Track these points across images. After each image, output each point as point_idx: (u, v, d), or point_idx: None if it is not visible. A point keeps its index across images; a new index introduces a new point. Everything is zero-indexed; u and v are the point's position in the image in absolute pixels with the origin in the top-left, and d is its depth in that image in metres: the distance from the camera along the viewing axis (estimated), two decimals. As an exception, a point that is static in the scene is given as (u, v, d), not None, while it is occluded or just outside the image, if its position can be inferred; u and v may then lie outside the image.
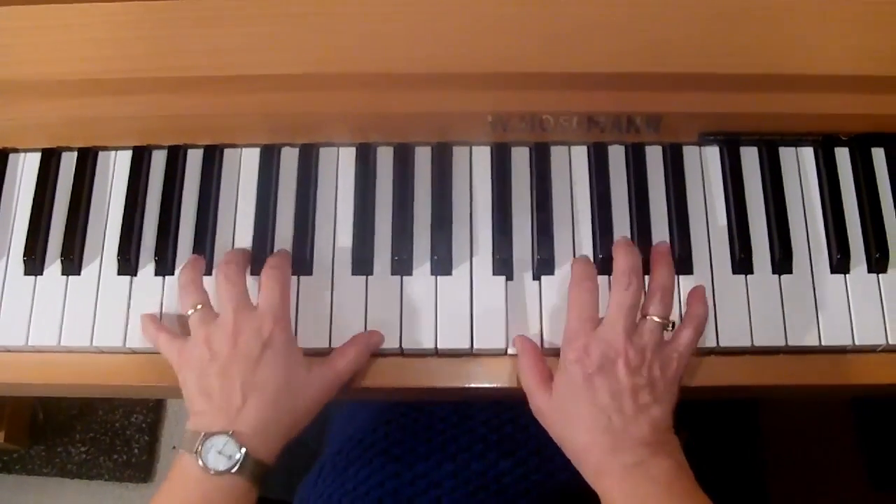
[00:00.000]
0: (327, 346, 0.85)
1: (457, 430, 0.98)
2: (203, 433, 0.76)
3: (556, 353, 0.84)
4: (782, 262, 0.87)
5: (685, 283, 0.86)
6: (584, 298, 0.80)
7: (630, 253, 0.82)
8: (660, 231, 0.89)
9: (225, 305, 0.81)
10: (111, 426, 1.84)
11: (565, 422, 0.78)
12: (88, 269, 0.89)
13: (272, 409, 0.78)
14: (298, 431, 0.81)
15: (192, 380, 0.79)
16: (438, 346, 0.85)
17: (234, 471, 0.75)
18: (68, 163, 0.93)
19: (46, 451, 1.83)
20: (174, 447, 1.84)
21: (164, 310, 0.87)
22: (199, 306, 0.82)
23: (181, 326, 0.85)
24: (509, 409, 0.99)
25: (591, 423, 0.76)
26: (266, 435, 0.78)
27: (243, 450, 0.75)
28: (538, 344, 0.85)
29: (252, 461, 0.76)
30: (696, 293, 0.84)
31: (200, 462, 0.75)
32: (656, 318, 0.79)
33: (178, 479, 0.77)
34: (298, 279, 0.87)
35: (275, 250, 0.88)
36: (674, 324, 0.81)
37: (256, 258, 0.88)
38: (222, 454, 0.75)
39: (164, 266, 0.88)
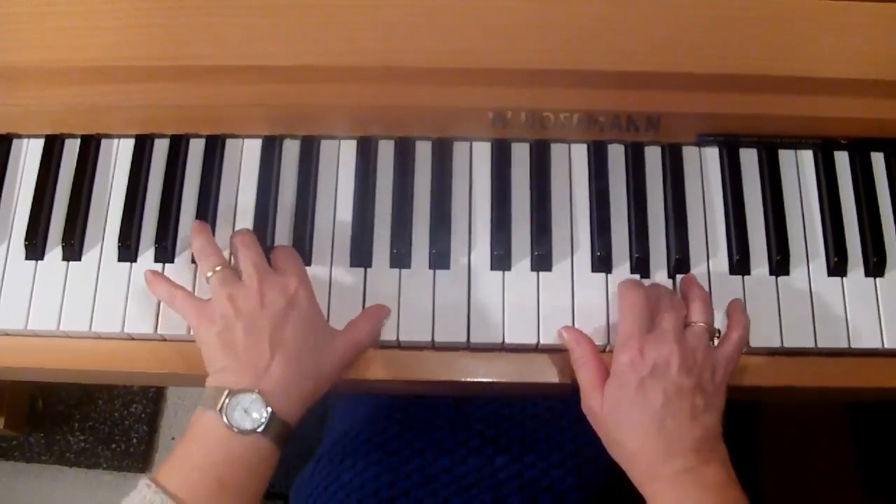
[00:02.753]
0: (324, 336, 0.85)
1: (453, 425, 0.99)
2: (227, 390, 0.74)
3: (551, 349, 0.85)
4: (779, 264, 0.87)
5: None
6: (637, 304, 0.80)
7: (662, 286, 0.84)
8: (658, 231, 0.89)
9: (248, 267, 0.80)
10: (110, 416, 1.84)
11: (617, 426, 0.78)
12: (89, 255, 0.89)
13: (298, 368, 0.77)
14: (319, 397, 0.80)
15: (212, 335, 0.78)
16: (435, 339, 0.85)
17: (259, 430, 0.74)
18: (71, 149, 0.93)
19: (45, 439, 1.83)
20: (173, 438, 1.84)
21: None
22: (219, 267, 0.81)
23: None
24: (506, 405, 0.99)
25: (645, 427, 0.75)
26: (290, 395, 0.77)
27: (269, 409, 0.74)
28: (538, 340, 0.85)
29: (277, 421, 0.75)
30: (736, 304, 0.84)
31: (225, 420, 0.73)
32: (702, 324, 0.80)
33: (199, 436, 0.75)
34: (297, 270, 0.87)
35: (275, 241, 0.89)
36: (719, 332, 0.81)
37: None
38: (248, 413, 0.74)
39: (165, 253, 0.88)
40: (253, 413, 0.74)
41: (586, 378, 0.81)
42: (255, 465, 0.75)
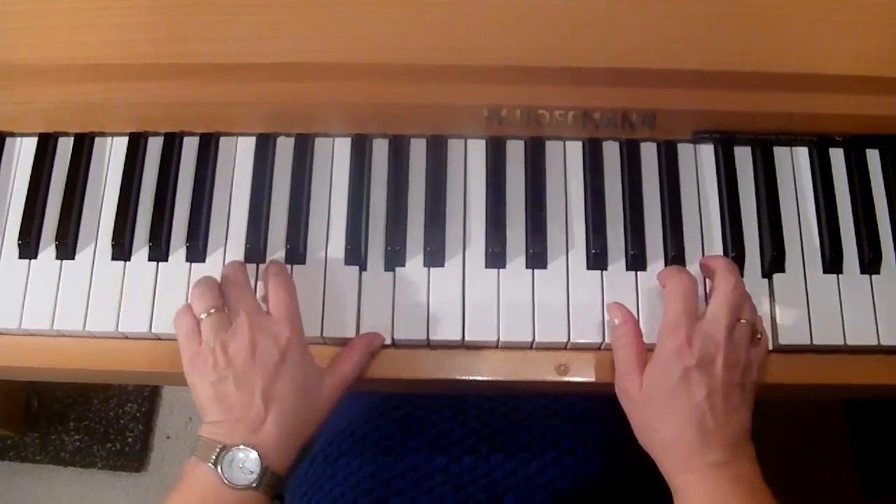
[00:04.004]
0: (319, 335, 0.85)
1: (449, 423, 0.98)
2: (222, 445, 0.75)
3: (546, 347, 0.85)
4: (775, 261, 0.87)
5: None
6: (686, 290, 0.79)
7: (729, 262, 0.83)
8: (653, 228, 0.89)
9: (239, 312, 0.79)
10: (105, 415, 1.84)
11: (653, 413, 0.77)
12: (83, 254, 0.89)
13: (292, 421, 0.77)
14: (308, 439, 0.81)
15: (205, 386, 0.78)
16: (430, 338, 0.85)
17: (254, 485, 0.74)
18: (65, 148, 0.93)
19: (40, 439, 1.82)
20: (168, 437, 1.84)
21: (157, 295, 0.87)
22: (213, 310, 0.80)
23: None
24: (501, 403, 0.99)
25: (684, 418, 0.75)
26: (285, 447, 0.77)
27: (264, 464, 0.75)
28: (533, 338, 0.85)
29: (271, 474, 0.75)
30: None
31: (219, 474, 0.74)
32: (746, 322, 0.79)
33: (193, 489, 0.75)
34: (291, 268, 0.87)
35: (268, 238, 0.89)
36: (760, 334, 0.81)
37: (252, 249, 0.88)
38: (243, 468, 0.74)
39: (158, 252, 0.88)
40: (247, 468, 0.74)
41: (625, 359, 0.80)
42: None
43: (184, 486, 0.76)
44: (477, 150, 0.92)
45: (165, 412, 1.87)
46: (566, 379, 0.85)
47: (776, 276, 0.87)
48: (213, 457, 0.74)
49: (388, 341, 0.85)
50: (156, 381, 1.51)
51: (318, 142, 0.93)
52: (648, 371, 0.78)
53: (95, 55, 0.87)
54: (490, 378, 0.86)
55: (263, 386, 0.76)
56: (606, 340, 0.84)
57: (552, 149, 0.92)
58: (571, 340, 0.85)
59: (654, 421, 0.77)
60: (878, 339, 0.85)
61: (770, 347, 0.84)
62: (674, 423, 0.75)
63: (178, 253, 0.89)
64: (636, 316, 0.84)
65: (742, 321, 0.79)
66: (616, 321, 0.83)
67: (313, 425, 0.81)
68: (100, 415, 1.84)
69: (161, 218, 0.89)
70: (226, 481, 0.74)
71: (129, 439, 1.83)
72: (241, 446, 0.75)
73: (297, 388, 0.78)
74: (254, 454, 0.75)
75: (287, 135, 0.93)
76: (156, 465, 1.82)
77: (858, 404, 1.74)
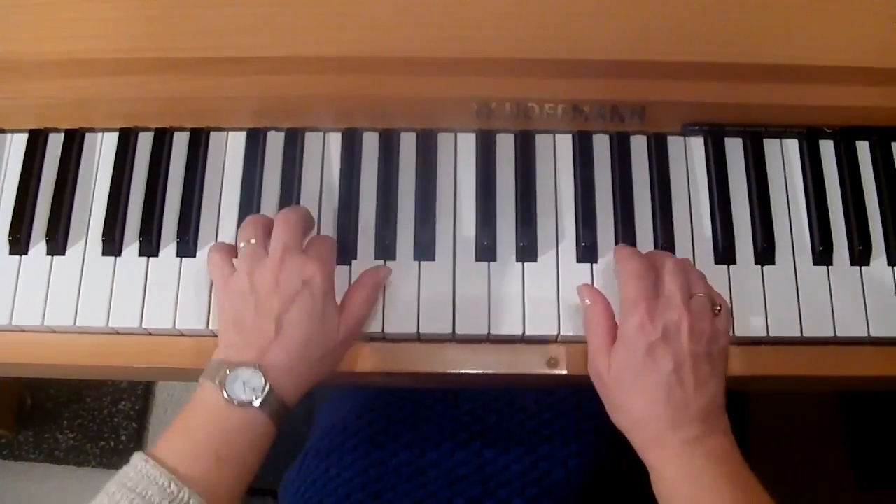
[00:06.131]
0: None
1: (441, 419, 0.99)
2: (229, 364, 0.75)
3: (537, 340, 0.85)
4: (765, 253, 0.87)
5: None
6: (639, 269, 0.79)
7: (659, 251, 0.85)
8: (643, 220, 0.89)
9: (275, 244, 0.80)
10: (99, 413, 1.84)
11: (624, 391, 0.77)
12: (73, 250, 0.89)
13: (302, 349, 0.77)
14: (321, 379, 0.80)
15: (229, 311, 0.79)
16: (421, 331, 0.85)
17: (256, 403, 0.74)
18: (55, 144, 0.93)
19: (34, 437, 1.83)
20: (162, 435, 1.84)
21: (147, 290, 0.87)
22: (253, 240, 0.81)
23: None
24: (493, 398, 0.99)
25: (653, 393, 0.75)
26: (292, 373, 0.77)
27: (268, 384, 0.74)
28: (523, 331, 0.85)
29: (275, 397, 0.75)
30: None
31: (224, 392, 0.73)
32: (702, 294, 0.79)
33: (198, 407, 0.75)
34: (282, 263, 0.87)
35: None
36: (720, 307, 0.80)
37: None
38: (247, 385, 0.74)
39: (149, 247, 0.88)
40: (251, 386, 0.74)
41: (595, 339, 0.80)
42: (251, 439, 0.75)
43: (189, 406, 0.76)
44: (467, 144, 0.92)
45: (159, 410, 1.87)
46: (556, 372, 0.85)
47: (766, 268, 0.87)
48: (220, 375, 0.74)
49: (378, 334, 0.85)
50: (148, 376, 1.50)
51: (309, 136, 0.92)
52: (615, 351, 0.78)
53: (84, 50, 0.87)
54: (480, 371, 0.86)
55: (279, 311, 0.76)
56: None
57: (542, 142, 0.92)
58: (561, 334, 0.85)
59: (625, 400, 0.77)
60: (868, 331, 0.85)
61: (736, 330, 0.84)
62: (644, 401, 0.75)
63: (168, 248, 0.89)
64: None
65: (698, 295, 0.79)
66: (586, 302, 0.83)
67: (326, 362, 0.81)
68: (93, 413, 1.84)
69: (151, 213, 0.89)
70: (231, 399, 0.73)
71: (123, 437, 1.83)
72: (247, 365, 0.75)
73: (311, 317, 0.78)
74: (258, 372, 0.74)
75: (277, 129, 0.93)
76: (150, 463, 1.82)
77: (851, 396, 1.75)
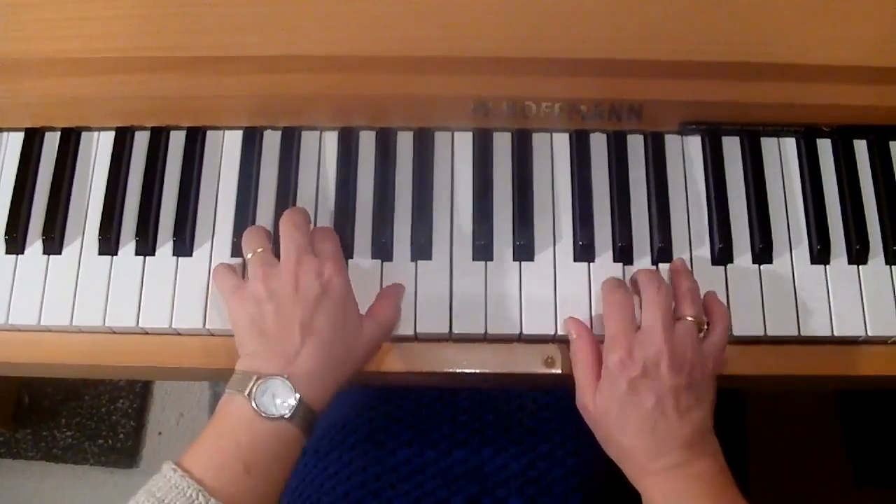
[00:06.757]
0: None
1: (439, 417, 0.99)
2: (256, 375, 0.74)
3: (534, 339, 0.85)
4: (762, 252, 0.87)
5: (665, 274, 0.86)
6: (621, 304, 0.80)
7: (650, 270, 0.84)
8: (640, 220, 0.89)
9: (288, 249, 0.79)
10: (97, 411, 1.84)
11: (610, 424, 0.78)
12: (69, 249, 0.89)
13: (328, 355, 0.77)
14: (346, 382, 0.80)
15: (245, 319, 0.78)
16: (418, 331, 0.85)
17: (286, 416, 0.73)
18: (51, 143, 0.93)
19: (32, 436, 1.82)
20: (160, 433, 1.84)
21: (144, 289, 0.87)
22: (260, 249, 0.81)
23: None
24: (492, 397, 0.99)
25: (636, 427, 0.76)
26: (319, 381, 0.76)
27: (298, 395, 0.74)
28: (520, 330, 0.85)
29: (305, 407, 0.74)
30: (712, 296, 0.84)
31: (253, 405, 0.73)
32: (690, 318, 0.80)
33: (227, 420, 0.75)
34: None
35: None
36: (708, 324, 0.81)
37: (239, 243, 0.87)
38: (276, 398, 0.74)
39: (145, 246, 0.88)
40: (281, 399, 0.74)
41: (581, 375, 0.81)
42: (280, 451, 0.75)
43: (217, 419, 0.75)
44: (464, 143, 0.92)
45: (157, 408, 1.87)
46: (554, 371, 0.85)
47: (764, 268, 0.87)
48: (248, 387, 0.74)
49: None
50: (146, 375, 1.51)
51: (305, 135, 0.92)
52: (600, 387, 0.79)
53: (80, 49, 0.86)
54: (478, 370, 0.86)
55: (302, 318, 0.76)
56: (595, 332, 0.84)
57: (539, 141, 0.92)
58: (559, 333, 0.85)
59: (612, 433, 0.78)
60: (866, 330, 0.85)
61: (734, 330, 0.84)
62: (629, 434, 0.77)
63: (165, 247, 0.88)
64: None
65: (687, 318, 0.79)
66: (572, 335, 0.83)
67: (351, 366, 0.80)
68: (91, 411, 1.84)
69: (148, 212, 0.89)
70: (260, 412, 0.73)
71: (121, 435, 1.83)
72: (276, 376, 0.74)
73: (335, 323, 0.77)
74: (288, 384, 0.74)
75: (274, 128, 0.92)
76: (148, 461, 1.82)
77: (850, 395, 1.75)
